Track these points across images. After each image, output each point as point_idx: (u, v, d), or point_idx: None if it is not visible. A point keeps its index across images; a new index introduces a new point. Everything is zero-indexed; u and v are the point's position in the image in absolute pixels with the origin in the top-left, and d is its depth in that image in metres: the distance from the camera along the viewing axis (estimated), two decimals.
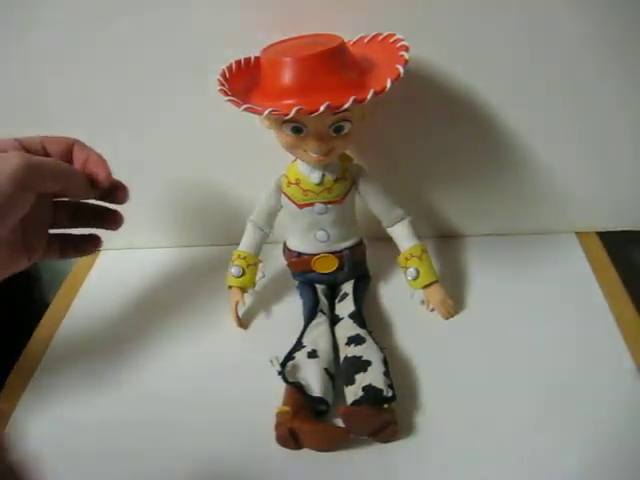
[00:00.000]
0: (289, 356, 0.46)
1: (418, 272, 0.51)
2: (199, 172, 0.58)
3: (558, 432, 0.42)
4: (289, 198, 0.49)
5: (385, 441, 0.42)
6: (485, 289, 0.54)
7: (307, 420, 0.42)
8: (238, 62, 0.47)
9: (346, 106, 0.41)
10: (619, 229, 0.60)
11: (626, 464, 0.40)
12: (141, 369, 0.50)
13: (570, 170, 0.57)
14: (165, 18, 0.50)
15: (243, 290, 0.53)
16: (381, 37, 0.47)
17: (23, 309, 0.59)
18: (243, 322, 0.53)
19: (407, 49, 0.44)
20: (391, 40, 0.46)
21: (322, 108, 0.40)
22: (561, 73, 0.52)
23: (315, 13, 0.48)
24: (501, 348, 0.48)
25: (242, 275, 0.52)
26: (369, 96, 0.41)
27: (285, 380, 0.43)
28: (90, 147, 0.44)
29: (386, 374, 0.43)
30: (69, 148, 0.44)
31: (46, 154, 0.43)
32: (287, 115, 0.41)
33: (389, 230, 0.52)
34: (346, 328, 0.48)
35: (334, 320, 0.50)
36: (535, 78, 0.52)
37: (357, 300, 0.51)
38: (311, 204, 0.49)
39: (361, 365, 0.44)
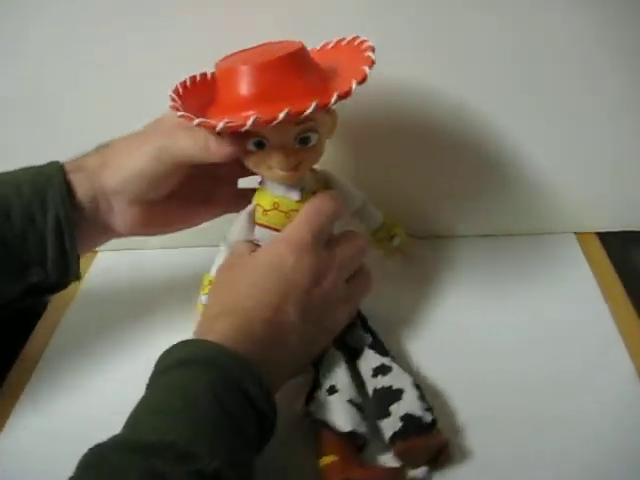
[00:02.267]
0: (309, 397, 0.43)
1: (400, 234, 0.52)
2: None
3: (558, 433, 0.42)
4: (268, 227, 0.45)
5: (442, 466, 0.40)
6: (485, 289, 0.54)
7: (358, 466, 0.39)
8: (193, 78, 0.45)
9: (308, 111, 0.37)
10: (619, 229, 0.60)
11: (626, 466, 0.40)
12: (141, 370, 0.49)
13: (570, 170, 0.57)
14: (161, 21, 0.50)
15: None
16: (345, 41, 0.45)
17: (22, 309, 0.59)
18: None
19: (373, 49, 0.41)
20: (356, 43, 0.43)
21: (281, 116, 0.37)
22: (561, 73, 0.52)
23: (294, 20, 0.47)
24: (501, 349, 0.48)
25: None
26: (333, 100, 0.38)
27: (310, 418, 0.41)
28: None
29: (421, 398, 0.41)
30: None
31: None
32: (243, 127, 0.37)
33: (355, 214, 0.49)
34: (368, 359, 0.45)
35: (352, 353, 0.47)
36: (535, 78, 0.52)
37: (370, 328, 0.48)
38: None
39: (394, 395, 0.42)
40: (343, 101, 0.44)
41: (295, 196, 0.44)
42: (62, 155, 0.47)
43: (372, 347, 0.46)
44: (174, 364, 0.37)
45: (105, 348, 0.52)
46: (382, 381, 0.43)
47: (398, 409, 0.41)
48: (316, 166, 0.46)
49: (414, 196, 0.59)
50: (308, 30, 0.45)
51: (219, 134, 0.41)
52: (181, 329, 0.53)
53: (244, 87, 0.39)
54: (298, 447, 0.42)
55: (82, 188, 0.45)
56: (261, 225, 0.45)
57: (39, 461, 0.44)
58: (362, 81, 0.39)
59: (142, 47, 0.52)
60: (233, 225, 0.46)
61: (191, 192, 0.48)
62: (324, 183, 0.46)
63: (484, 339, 0.49)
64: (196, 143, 0.42)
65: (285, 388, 0.42)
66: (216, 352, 0.37)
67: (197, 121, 0.39)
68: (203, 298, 0.48)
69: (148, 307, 0.56)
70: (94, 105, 0.55)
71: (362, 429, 0.40)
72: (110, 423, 0.45)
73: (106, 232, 0.48)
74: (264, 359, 0.39)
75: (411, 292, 0.55)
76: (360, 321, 0.48)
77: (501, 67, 0.51)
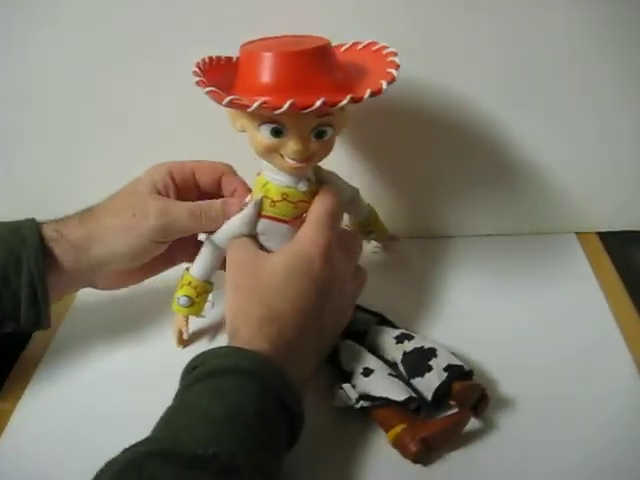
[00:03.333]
0: (342, 388, 0.43)
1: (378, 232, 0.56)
2: None
3: (558, 432, 0.42)
4: (275, 219, 0.45)
5: (481, 413, 0.42)
6: (485, 289, 0.54)
7: (425, 425, 0.40)
8: (211, 58, 0.45)
9: (343, 103, 0.39)
10: (619, 229, 0.60)
11: (626, 464, 0.40)
12: (142, 368, 0.50)
13: (570, 170, 0.57)
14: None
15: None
16: (361, 46, 0.47)
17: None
18: (186, 342, 0.51)
19: (396, 54, 0.44)
20: (374, 48, 0.46)
21: (318, 103, 0.38)
22: (560, 73, 0.52)
23: (295, 21, 0.47)
24: (500, 348, 0.48)
25: (190, 305, 0.49)
26: (366, 96, 0.40)
27: (368, 399, 0.42)
28: (239, 176, 0.49)
29: (453, 353, 0.44)
30: (219, 177, 0.49)
31: (196, 183, 0.49)
32: (279, 109, 0.38)
33: (345, 207, 0.50)
34: (385, 333, 0.47)
35: (359, 337, 0.48)
36: (535, 78, 0.52)
37: (370, 310, 0.50)
38: (300, 216, 0.45)
39: (428, 352, 0.44)
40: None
41: (303, 187, 0.45)
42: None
43: (380, 324, 0.48)
44: (215, 371, 0.37)
45: (106, 346, 0.52)
46: (410, 344, 0.45)
47: (438, 362, 0.43)
48: None
49: (415, 196, 0.59)
50: (308, 31, 0.45)
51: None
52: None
53: (272, 73, 0.40)
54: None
55: (66, 260, 0.46)
56: (267, 217, 0.45)
57: (40, 459, 0.44)
58: (390, 82, 0.41)
59: (140, 50, 0.52)
60: (232, 219, 0.46)
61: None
62: (317, 176, 0.47)
63: (484, 338, 0.49)
64: (192, 218, 0.46)
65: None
66: (258, 362, 0.37)
67: (227, 99, 0.39)
68: (181, 299, 0.49)
69: (150, 305, 0.56)
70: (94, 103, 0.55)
71: (413, 394, 0.42)
72: (111, 421, 0.46)
73: (85, 286, 0.50)
74: (297, 365, 0.39)
75: (411, 292, 0.55)
76: (356, 307, 0.49)
77: (501, 67, 0.51)
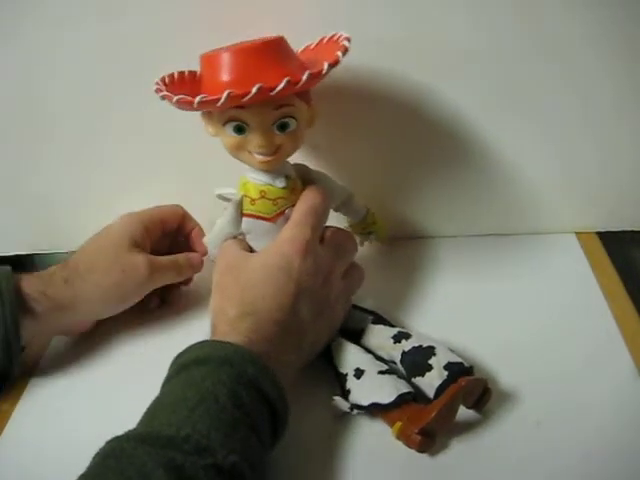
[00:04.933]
0: (344, 391, 0.44)
1: (377, 232, 0.56)
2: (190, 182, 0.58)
3: (558, 432, 0.42)
4: (257, 217, 0.46)
5: (483, 407, 0.43)
6: (484, 289, 0.54)
7: (422, 413, 0.40)
8: (181, 73, 0.46)
9: (280, 87, 0.38)
10: (619, 229, 0.60)
11: (626, 464, 0.40)
12: (143, 368, 0.49)
13: (570, 170, 0.57)
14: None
15: None
16: (326, 39, 0.47)
17: None
18: None
19: (349, 39, 0.43)
20: (335, 38, 0.46)
21: (254, 90, 0.38)
22: (560, 72, 0.52)
23: (298, 16, 0.48)
24: (499, 348, 0.48)
25: None
26: (304, 77, 0.39)
27: (360, 408, 0.42)
28: (192, 218, 0.55)
29: (451, 350, 0.44)
30: (179, 221, 0.55)
31: (164, 228, 0.54)
32: (218, 101, 0.38)
33: (339, 208, 0.52)
34: (381, 332, 0.47)
35: (355, 335, 0.48)
36: (534, 77, 0.52)
37: (366, 309, 0.50)
38: (282, 212, 0.46)
39: (427, 351, 0.44)
40: (339, 101, 0.46)
41: (280, 183, 0.45)
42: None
43: (376, 322, 0.48)
44: (190, 363, 0.38)
45: (107, 346, 0.53)
46: (409, 343, 0.45)
47: (438, 361, 0.43)
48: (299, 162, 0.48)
49: (414, 196, 0.59)
50: (303, 32, 0.46)
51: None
52: (183, 327, 0.53)
53: (224, 72, 0.41)
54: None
55: (48, 320, 0.47)
56: (249, 215, 0.46)
57: (40, 460, 0.44)
58: (334, 64, 0.41)
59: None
60: (218, 221, 0.47)
61: None
62: (305, 176, 0.48)
63: (483, 338, 0.49)
64: (175, 270, 0.52)
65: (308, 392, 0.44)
66: (232, 351, 0.38)
67: (176, 98, 0.40)
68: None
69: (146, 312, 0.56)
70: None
71: (404, 388, 0.42)
72: (112, 421, 0.45)
73: (57, 334, 0.53)
74: (276, 359, 0.40)
75: (411, 291, 0.55)
76: (352, 306, 0.50)
77: (500, 66, 0.51)
